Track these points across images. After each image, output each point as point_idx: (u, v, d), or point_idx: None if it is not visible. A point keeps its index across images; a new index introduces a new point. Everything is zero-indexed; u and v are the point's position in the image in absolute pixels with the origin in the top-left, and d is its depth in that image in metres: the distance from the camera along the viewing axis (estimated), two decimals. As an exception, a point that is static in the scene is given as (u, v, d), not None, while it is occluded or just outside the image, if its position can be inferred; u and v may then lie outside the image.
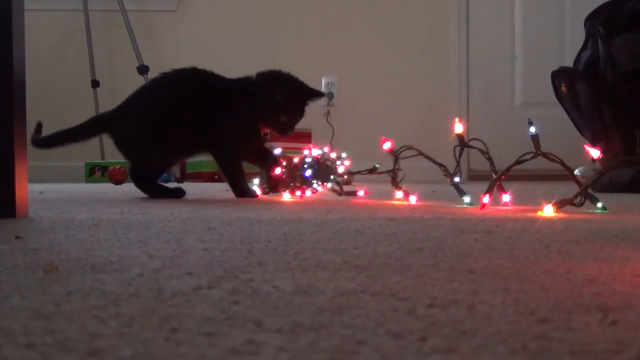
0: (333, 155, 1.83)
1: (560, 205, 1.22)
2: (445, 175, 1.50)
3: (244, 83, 1.83)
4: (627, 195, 2.01)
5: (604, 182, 1.95)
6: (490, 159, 1.42)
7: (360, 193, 1.73)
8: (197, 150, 1.88)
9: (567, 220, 1.11)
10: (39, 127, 1.79)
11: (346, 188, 1.82)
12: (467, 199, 1.45)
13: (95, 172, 3.47)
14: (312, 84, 1.87)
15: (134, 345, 0.34)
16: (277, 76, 1.83)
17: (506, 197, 1.38)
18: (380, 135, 1.55)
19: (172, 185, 2.16)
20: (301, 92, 1.83)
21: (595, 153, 1.26)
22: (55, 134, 1.80)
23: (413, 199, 1.55)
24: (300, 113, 1.83)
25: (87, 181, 3.49)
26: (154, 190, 1.81)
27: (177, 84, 1.84)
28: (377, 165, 1.66)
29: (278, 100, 1.78)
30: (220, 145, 1.81)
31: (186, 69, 1.85)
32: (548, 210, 1.21)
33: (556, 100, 2.55)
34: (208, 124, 1.77)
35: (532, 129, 1.29)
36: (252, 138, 1.82)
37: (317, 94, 1.85)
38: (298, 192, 1.77)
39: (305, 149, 1.89)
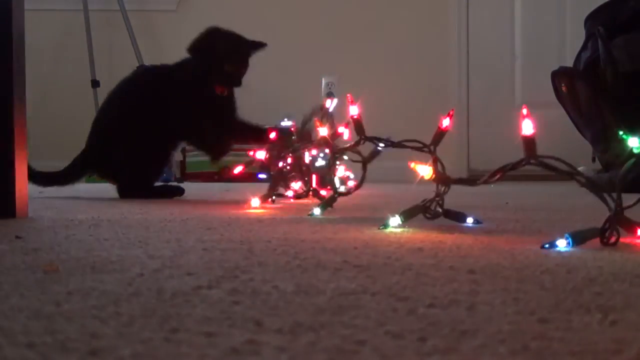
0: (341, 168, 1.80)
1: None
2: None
3: (184, 61, 1.88)
4: (628, 195, 2.01)
5: (604, 182, 1.95)
6: None
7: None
8: (177, 144, 1.94)
9: (567, 220, 1.11)
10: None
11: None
12: (470, 220, 1.01)
13: (96, 172, 3.47)
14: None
15: (134, 345, 0.34)
16: (211, 33, 1.86)
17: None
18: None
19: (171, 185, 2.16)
20: (240, 42, 1.87)
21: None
22: (48, 174, 1.82)
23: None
24: (243, 62, 1.86)
25: (87, 181, 3.48)
26: (148, 193, 1.80)
27: (127, 93, 1.88)
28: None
29: (219, 50, 1.81)
30: (194, 130, 1.82)
31: (132, 74, 1.95)
32: None
33: (556, 100, 2.55)
34: (172, 114, 1.79)
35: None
36: (213, 105, 1.82)
37: (260, 45, 1.90)
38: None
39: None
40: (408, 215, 0.96)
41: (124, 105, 1.84)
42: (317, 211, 1.17)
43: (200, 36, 1.86)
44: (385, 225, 0.94)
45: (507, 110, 4.04)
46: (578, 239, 0.73)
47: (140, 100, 1.82)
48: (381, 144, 1.09)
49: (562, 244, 0.72)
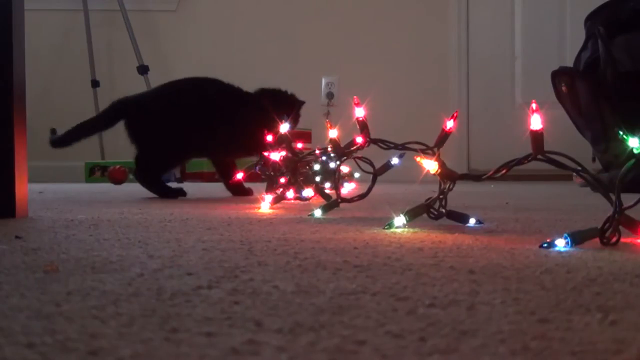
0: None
1: None
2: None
3: (251, 97, 1.92)
4: (629, 195, 2.01)
5: (604, 182, 1.94)
6: None
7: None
8: (204, 153, 2.00)
9: (567, 221, 1.11)
10: (53, 131, 1.86)
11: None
12: (472, 221, 1.00)
13: (95, 172, 3.47)
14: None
15: (134, 345, 0.34)
16: (278, 91, 1.96)
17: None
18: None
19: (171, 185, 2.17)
20: (297, 105, 1.97)
21: None
22: (72, 130, 1.84)
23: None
24: (295, 124, 1.98)
25: (87, 181, 3.49)
26: (156, 186, 1.81)
27: (200, 88, 1.91)
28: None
29: (281, 110, 1.88)
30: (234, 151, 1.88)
31: (208, 78, 1.94)
32: None
33: (556, 100, 2.55)
34: (223, 131, 1.83)
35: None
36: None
37: (302, 103, 1.99)
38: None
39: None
40: (413, 215, 0.96)
41: (198, 97, 1.86)
42: (317, 213, 1.17)
43: (264, 90, 1.93)
44: (390, 225, 0.94)
45: (507, 110, 4.04)
46: (577, 238, 0.73)
47: (211, 106, 1.85)
48: (395, 156, 1.08)
49: (561, 244, 0.72)
